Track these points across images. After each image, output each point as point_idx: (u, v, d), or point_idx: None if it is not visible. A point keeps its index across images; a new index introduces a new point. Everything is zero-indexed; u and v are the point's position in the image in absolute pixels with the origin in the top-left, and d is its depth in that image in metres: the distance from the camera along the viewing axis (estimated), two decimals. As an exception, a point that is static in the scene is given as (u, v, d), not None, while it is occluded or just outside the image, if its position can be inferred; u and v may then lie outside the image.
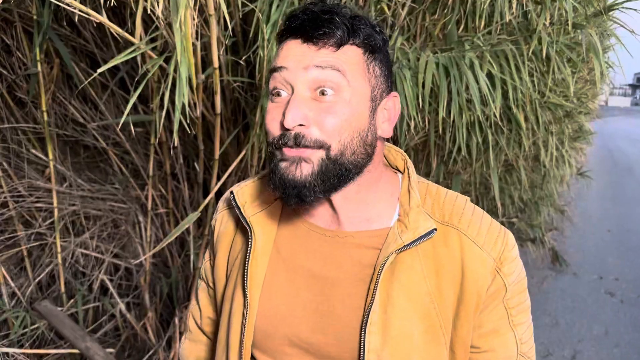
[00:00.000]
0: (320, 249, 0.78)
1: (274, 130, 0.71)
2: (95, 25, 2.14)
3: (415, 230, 0.73)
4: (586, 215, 6.30)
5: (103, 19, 1.30)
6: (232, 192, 0.84)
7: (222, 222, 0.90)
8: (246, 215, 0.81)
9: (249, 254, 0.78)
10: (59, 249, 2.23)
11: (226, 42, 1.63)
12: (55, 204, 2.20)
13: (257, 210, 0.82)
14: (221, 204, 0.92)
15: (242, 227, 0.85)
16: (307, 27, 0.69)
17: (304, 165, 0.69)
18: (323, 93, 0.68)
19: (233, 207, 0.86)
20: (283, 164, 0.70)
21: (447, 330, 0.74)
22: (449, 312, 0.74)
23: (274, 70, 0.72)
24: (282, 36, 0.74)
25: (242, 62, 1.76)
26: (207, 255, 0.95)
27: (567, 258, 4.58)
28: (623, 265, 4.71)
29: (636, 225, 6.09)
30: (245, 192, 0.84)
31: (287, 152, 0.69)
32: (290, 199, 0.70)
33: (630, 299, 4.01)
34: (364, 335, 0.71)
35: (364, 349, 0.71)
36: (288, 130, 0.69)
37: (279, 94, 0.71)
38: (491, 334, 0.77)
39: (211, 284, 0.93)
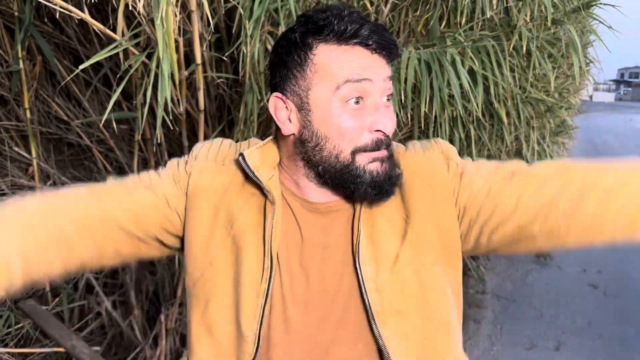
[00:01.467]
0: (316, 221, 0.82)
1: (362, 135, 0.76)
2: (77, 22, 2.12)
3: None
4: (570, 209, 6.36)
5: (85, 15, 1.30)
6: (242, 154, 0.80)
7: (203, 175, 0.83)
8: (262, 180, 0.79)
9: (274, 219, 0.78)
10: (43, 248, 2.21)
11: (209, 39, 1.63)
12: (39, 202, 2.18)
13: (270, 175, 0.81)
14: (203, 157, 0.86)
15: (245, 191, 0.82)
16: (380, 42, 0.76)
17: (390, 162, 0.79)
18: (388, 99, 0.79)
19: (224, 165, 0.84)
20: (374, 165, 0.77)
21: (433, 243, 0.80)
22: (430, 226, 0.80)
23: (356, 80, 0.75)
24: (341, 36, 0.75)
25: (225, 59, 1.76)
26: (165, 175, 0.85)
27: (551, 252, 4.63)
28: (606, 258, 4.77)
29: (619, 218, 6.17)
30: (255, 155, 0.81)
31: (377, 153, 0.77)
32: (383, 194, 0.77)
33: (613, 290, 4.07)
34: (359, 265, 0.77)
35: (363, 279, 0.76)
36: (381, 133, 0.77)
37: (358, 102, 0.76)
38: (482, 190, 0.80)
39: (170, 216, 0.83)
